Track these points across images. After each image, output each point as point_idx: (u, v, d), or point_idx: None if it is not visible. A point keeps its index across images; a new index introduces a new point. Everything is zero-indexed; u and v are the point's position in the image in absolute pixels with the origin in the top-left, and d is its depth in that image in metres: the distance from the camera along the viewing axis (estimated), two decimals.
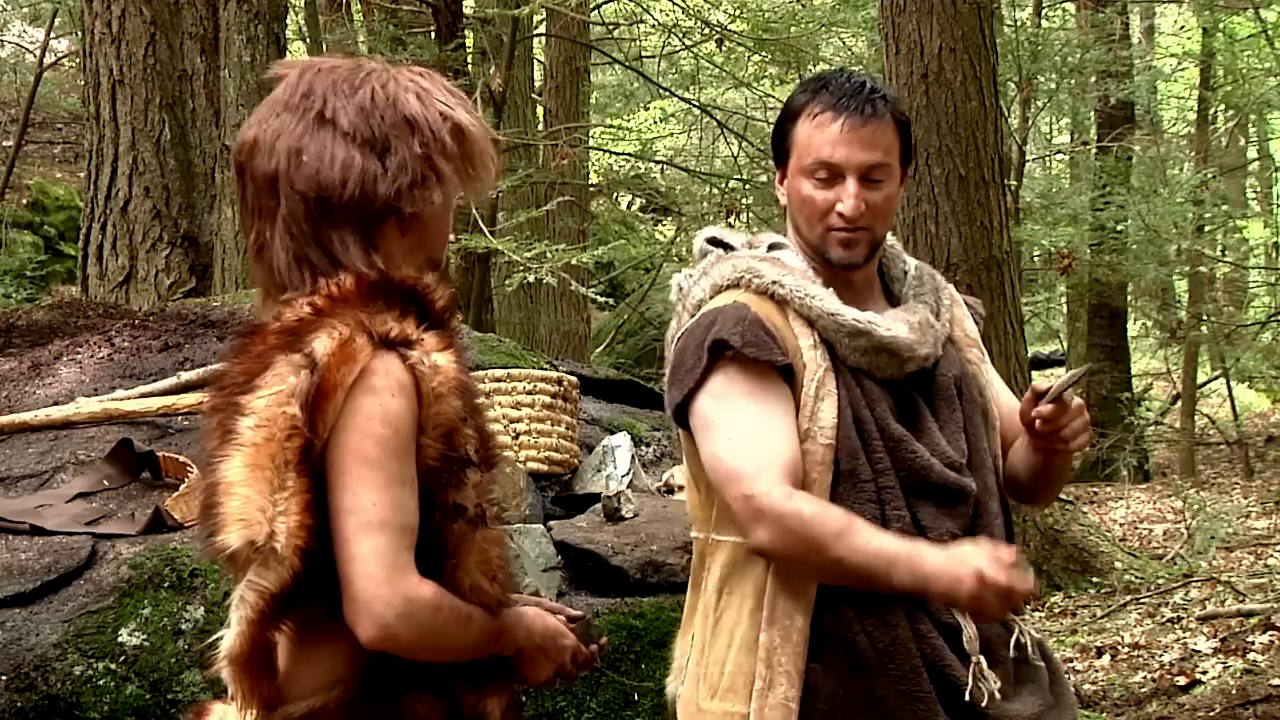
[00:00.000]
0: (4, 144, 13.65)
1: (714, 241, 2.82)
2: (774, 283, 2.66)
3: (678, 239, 16.34)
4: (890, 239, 2.83)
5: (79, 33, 10.18)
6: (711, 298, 2.70)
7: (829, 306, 2.64)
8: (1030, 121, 12.88)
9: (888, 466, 2.61)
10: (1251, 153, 20.17)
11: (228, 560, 2.13)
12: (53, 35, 14.06)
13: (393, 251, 2.26)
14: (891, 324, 2.67)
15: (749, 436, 2.57)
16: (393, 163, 2.22)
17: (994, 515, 2.71)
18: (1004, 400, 2.89)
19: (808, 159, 2.67)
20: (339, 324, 2.15)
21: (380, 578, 2.11)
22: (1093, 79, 13.95)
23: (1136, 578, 8.08)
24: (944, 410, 2.73)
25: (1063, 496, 7.96)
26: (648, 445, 5.01)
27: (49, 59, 13.80)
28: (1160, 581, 7.99)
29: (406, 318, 2.20)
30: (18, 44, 17.04)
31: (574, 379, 4.72)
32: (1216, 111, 17.65)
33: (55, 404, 5.08)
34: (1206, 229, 15.76)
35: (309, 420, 2.11)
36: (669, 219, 16.43)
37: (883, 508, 2.59)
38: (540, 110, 15.06)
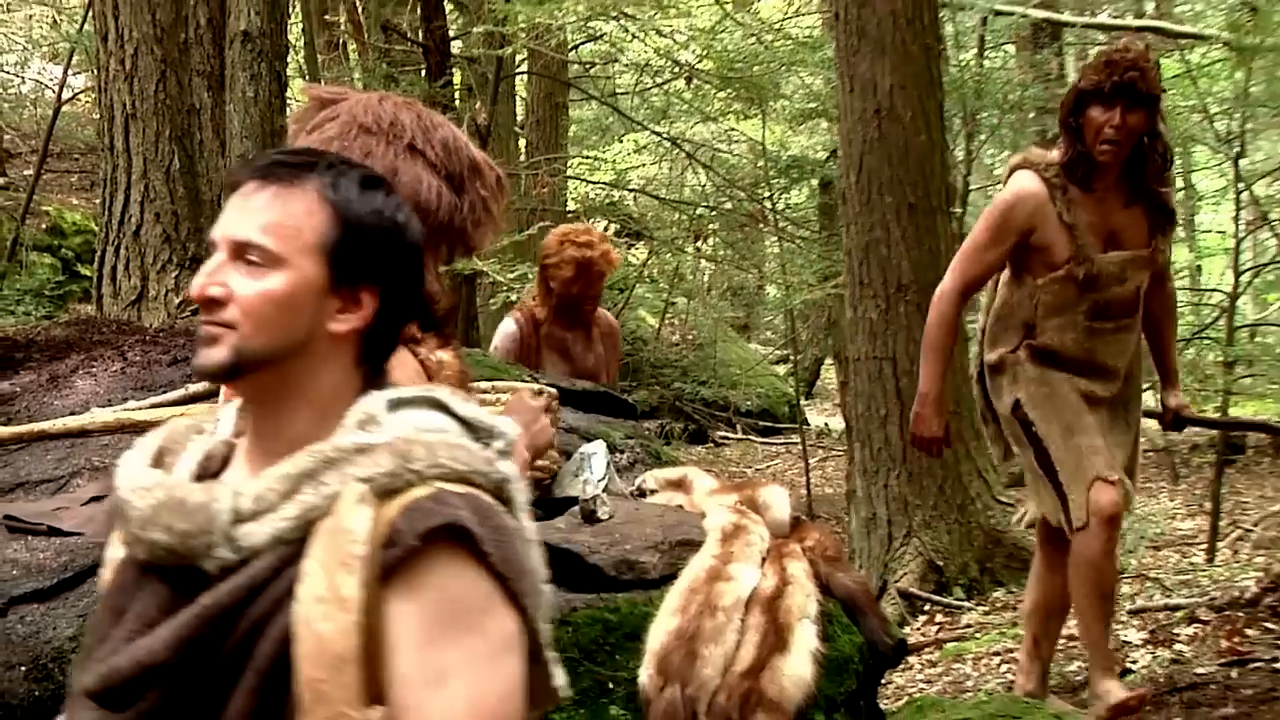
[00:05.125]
0: (25, 173, 13.59)
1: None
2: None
3: (649, 261, 16.35)
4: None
5: (94, 70, 10.15)
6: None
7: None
8: (974, 154, 12.92)
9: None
10: (1178, 183, 20.30)
11: None
12: (70, 72, 14.00)
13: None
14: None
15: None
16: (465, 201, 2.28)
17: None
18: None
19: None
20: None
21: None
22: (1031, 114, 14.03)
23: None
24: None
25: (1005, 500, 7.99)
26: (622, 452, 5.01)
27: (67, 94, 13.74)
28: None
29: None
30: (38, 80, 16.97)
31: (554, 390, 4.70)
32: None
33: (72, 414, 5.06)
34: None
35: None
36: (641, 243, 16.42)
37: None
38: (522, 142, 15.09)
